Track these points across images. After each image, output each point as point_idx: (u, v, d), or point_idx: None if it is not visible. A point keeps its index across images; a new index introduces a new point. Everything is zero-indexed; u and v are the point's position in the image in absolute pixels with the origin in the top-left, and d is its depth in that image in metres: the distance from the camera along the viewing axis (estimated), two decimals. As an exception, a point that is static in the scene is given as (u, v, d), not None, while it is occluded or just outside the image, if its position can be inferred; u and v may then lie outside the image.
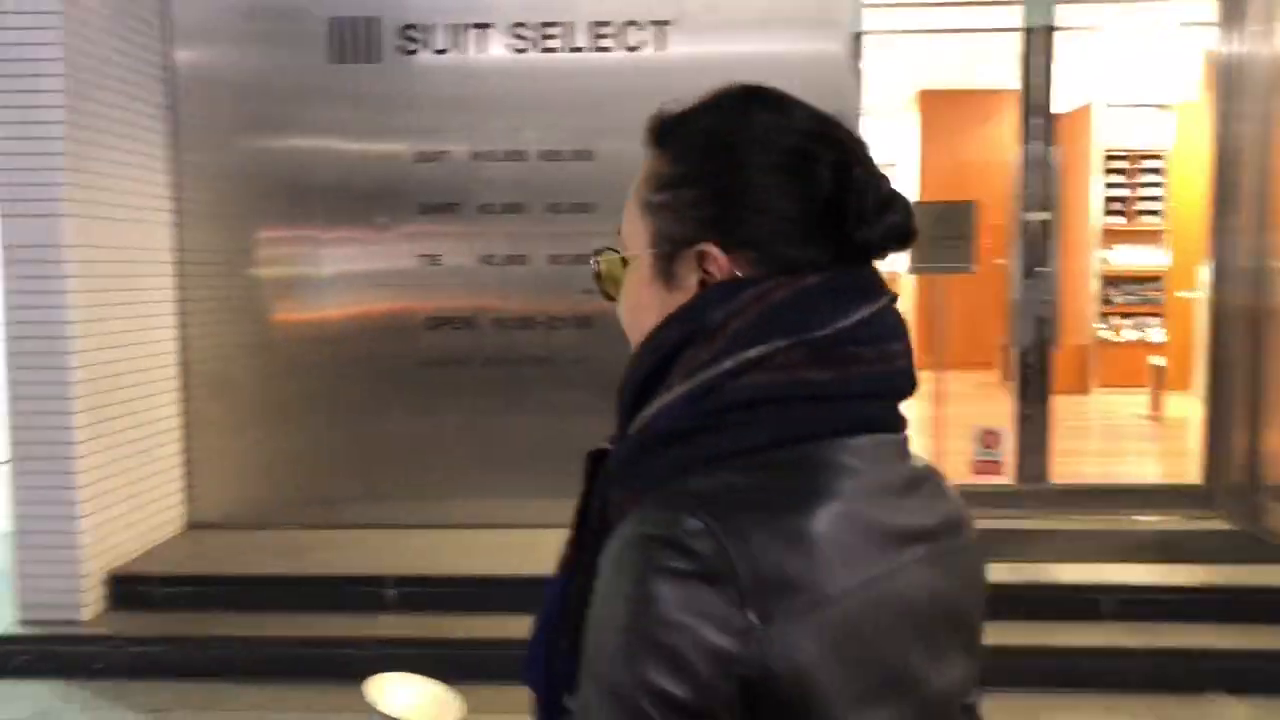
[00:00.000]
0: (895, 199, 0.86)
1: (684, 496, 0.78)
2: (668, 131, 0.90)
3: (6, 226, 4.06)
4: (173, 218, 4.90)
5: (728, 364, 0.81)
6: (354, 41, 4.92)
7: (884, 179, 0.87)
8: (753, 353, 0.81)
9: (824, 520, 0.78)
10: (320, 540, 4.79)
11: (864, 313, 0.84)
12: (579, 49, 4.91)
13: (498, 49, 4.93)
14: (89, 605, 4.19)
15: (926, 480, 0.90)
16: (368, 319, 5.05)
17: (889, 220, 0.85)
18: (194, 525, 5.03)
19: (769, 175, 0.85)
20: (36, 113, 4.01)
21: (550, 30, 4.91)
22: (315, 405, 5.06)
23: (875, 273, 0.88)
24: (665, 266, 0.88)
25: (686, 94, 0.92)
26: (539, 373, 5.03)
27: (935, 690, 0.85)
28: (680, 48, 4.89)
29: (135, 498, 4.55)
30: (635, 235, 0.92)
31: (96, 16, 4.26)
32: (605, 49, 4.91)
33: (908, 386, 0.87)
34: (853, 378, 0.82)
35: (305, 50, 4.92)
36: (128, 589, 4.33)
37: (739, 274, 0.85)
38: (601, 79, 4.90)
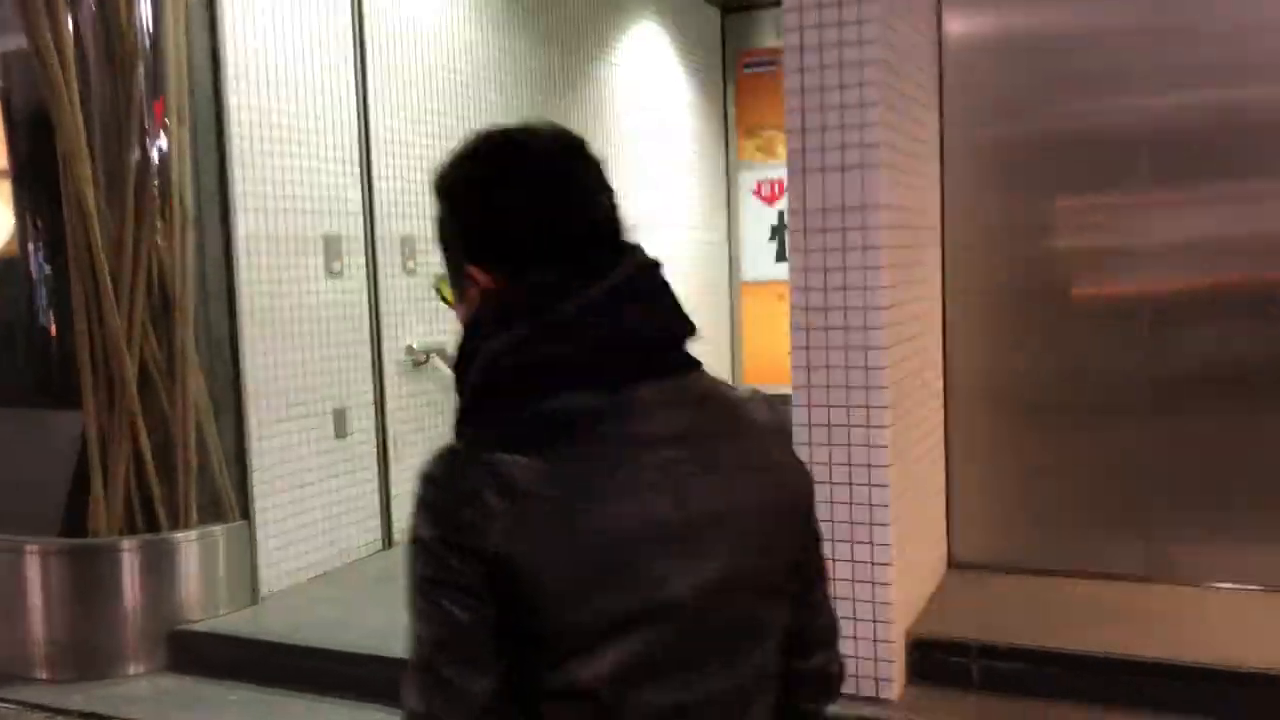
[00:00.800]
0: (589, 201, 1.10)
1: (455, 443, 1.06)
2: (438, 184, 1.15)
3: (800, 184, 3.16)
4: (938, 193, 3.85)
5: (489, 349, 1.05)
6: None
7: (588, 189, 1.10)
8: (504, 339, 1.04)
9: (552, 451, 1.01)
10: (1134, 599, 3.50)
11: (591, 292, 1.04)
12: None
13: None
14: (896, 680, 3.20)
15: (704, 402, 1.10)
16: (1196, 304, 3.67)
17: (588, 216, 1.09)
18: (957, 565, 3.96)
19: (497, 209, 1.09)
20: (860, 71, 3.06)
21: None
22: (1115, 415, 3.78)
23: (611, 254, 1.09)
24: (457, 284, 1.14)
25: None
26: None
27: (688, 585, 1.03)
28: None
29: (906, 533, 3.52)
30: (445, 263, 1.17)
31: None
32: None
33: (651, 337, 1.08)
34: (584, 344, 1.04)
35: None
36: (929, 658, 3.30)
37: (494, 284, 1.09)
38: None
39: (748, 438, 1.10)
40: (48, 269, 4.23)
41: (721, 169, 8.91)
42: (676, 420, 1.05)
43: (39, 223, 4.25)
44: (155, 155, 4.14)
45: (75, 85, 4.02)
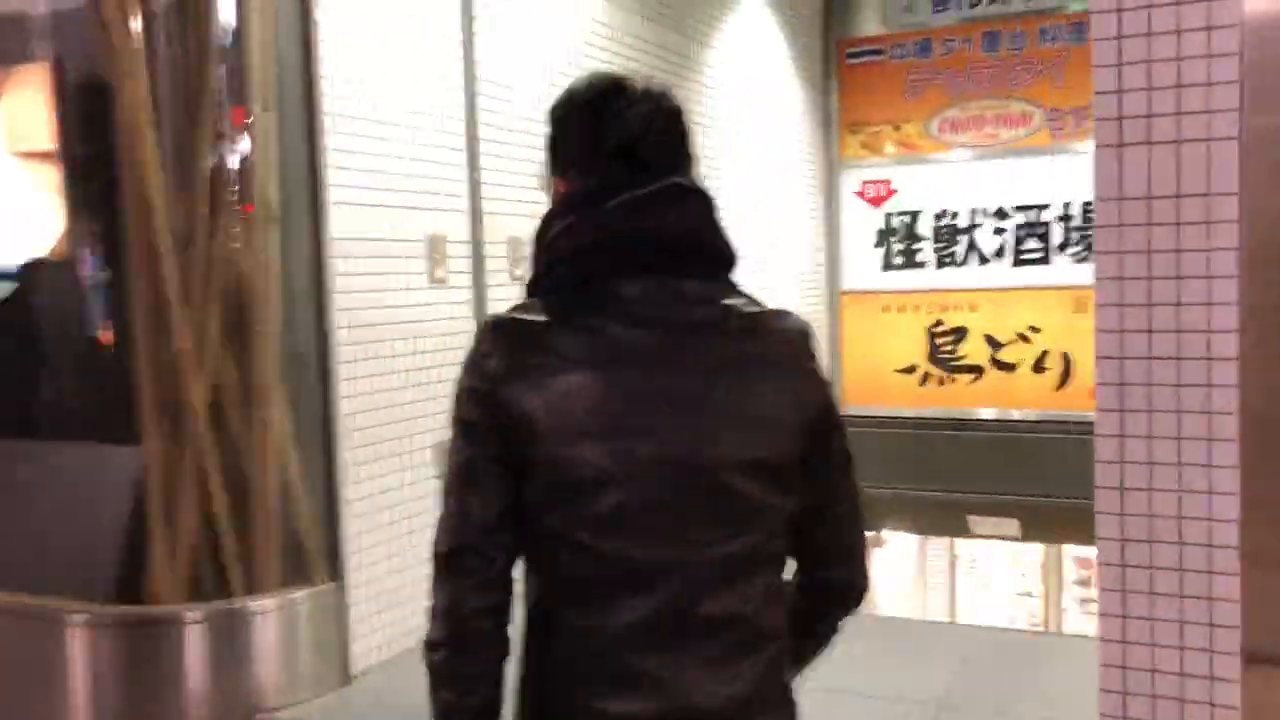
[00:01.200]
0: (633, 120, 1.36)
1: (505, 310, 1.34)
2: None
3: (1114, 163, 2.33)
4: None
5: (551, 232, 1.35)
6: None
7: (636, 114, 1.37)
8: (557, 226, 1.35)
9: (570, 327, 1.30)
10: None
11: (624, 197, 1.32)
12: None
13: None
14: (1239, 835, 2.38)
15: (719, 302, 1.35)
16: None
17: (626, 134, 1.35)
18: (1251, 659, 3.11)
19: (570, 132, 1.40)
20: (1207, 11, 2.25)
21: None
22: None
23: (647, 171, 1.34)
24: (550, 192, 1.43)
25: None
26: None
27: (676, 448, 1.27)
28: None
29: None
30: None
31: None
32: None
33: (674, 239, 1.34)
34: (610, 236, 1.32)
35: None
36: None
37: (564, 189, 1.40)
38: None
39: (756, 340, 1.35)
40: (102, 274, 3.50)
41: (822, 167, 8.13)
42: (688, 311, 1.33)
43: (93, 218, 3.52)
44: (234, 140, 3.40)
45: (141, 51, 3.28)
